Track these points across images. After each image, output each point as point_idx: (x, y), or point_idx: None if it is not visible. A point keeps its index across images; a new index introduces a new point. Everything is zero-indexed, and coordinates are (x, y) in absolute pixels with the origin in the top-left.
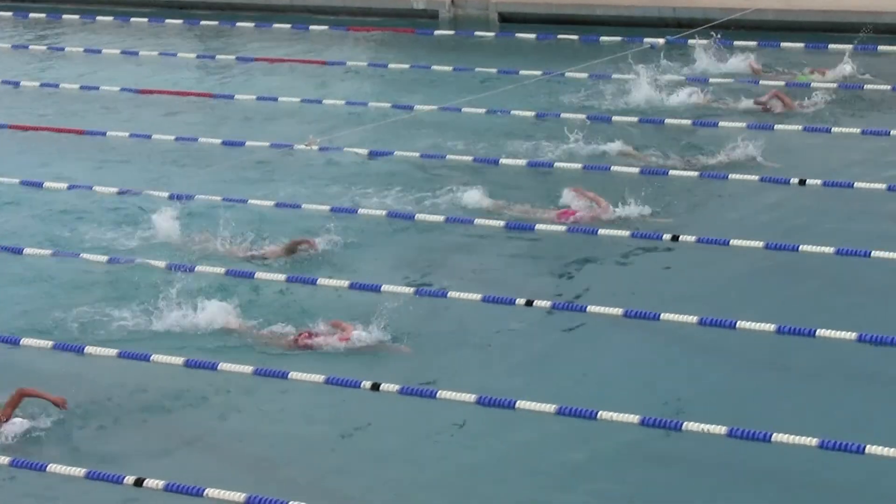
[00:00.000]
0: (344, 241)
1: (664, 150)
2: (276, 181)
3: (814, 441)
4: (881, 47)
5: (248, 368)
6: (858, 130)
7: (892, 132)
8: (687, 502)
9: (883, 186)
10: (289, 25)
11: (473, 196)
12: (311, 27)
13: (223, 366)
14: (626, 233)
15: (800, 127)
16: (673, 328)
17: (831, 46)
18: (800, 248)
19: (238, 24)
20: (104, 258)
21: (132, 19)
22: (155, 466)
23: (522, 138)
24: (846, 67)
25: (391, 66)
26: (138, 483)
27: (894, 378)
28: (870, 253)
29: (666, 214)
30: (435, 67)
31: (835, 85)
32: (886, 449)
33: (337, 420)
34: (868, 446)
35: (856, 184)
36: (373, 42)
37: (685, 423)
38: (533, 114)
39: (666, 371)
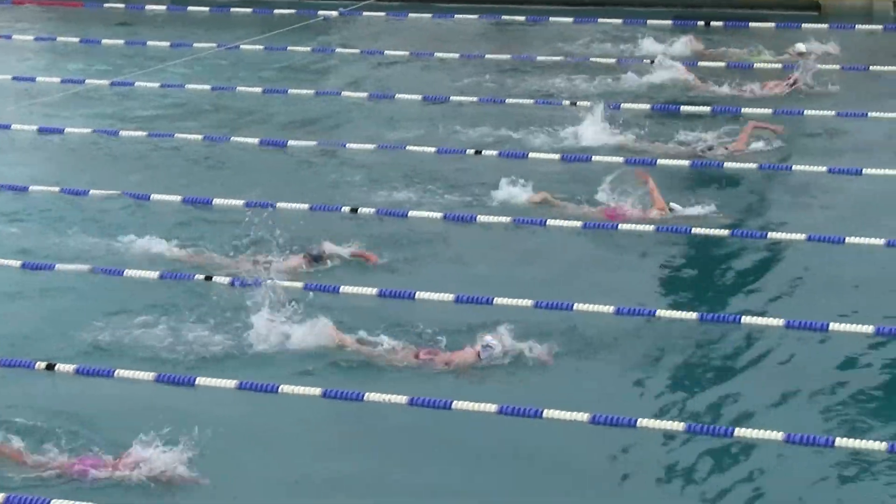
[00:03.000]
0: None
1: (340, 128)
2: None
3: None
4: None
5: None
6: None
7: None
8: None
9: (686, 163)
10: None
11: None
12: None
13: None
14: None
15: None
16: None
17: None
18: (619, 227)
19: None
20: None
21: None
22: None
23: (198, 113)
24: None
25: (60, 39)
26: None
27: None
28: (690, 230)
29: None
30: (105, 41)
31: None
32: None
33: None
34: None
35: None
36: (40, 15)
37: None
38: (209, 87)
39: None
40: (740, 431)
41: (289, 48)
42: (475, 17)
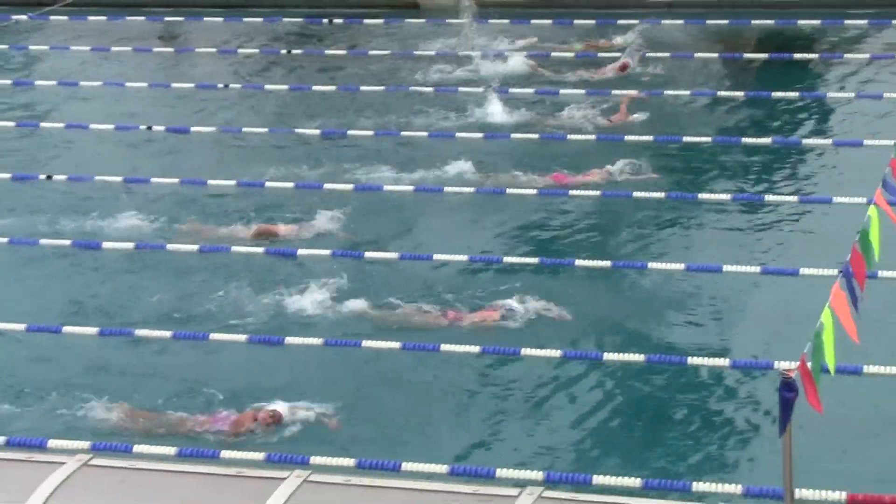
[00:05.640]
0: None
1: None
2: None
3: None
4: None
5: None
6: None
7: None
8: None
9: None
10: None
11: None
12: None
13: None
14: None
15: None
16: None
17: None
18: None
19: None
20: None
21: None
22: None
23: None
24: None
25: None
26: None
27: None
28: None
29: None
30: None
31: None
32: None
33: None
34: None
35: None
36: None
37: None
38: None
39: None
40: (693, 360)
41: None
42: (143, 18)
